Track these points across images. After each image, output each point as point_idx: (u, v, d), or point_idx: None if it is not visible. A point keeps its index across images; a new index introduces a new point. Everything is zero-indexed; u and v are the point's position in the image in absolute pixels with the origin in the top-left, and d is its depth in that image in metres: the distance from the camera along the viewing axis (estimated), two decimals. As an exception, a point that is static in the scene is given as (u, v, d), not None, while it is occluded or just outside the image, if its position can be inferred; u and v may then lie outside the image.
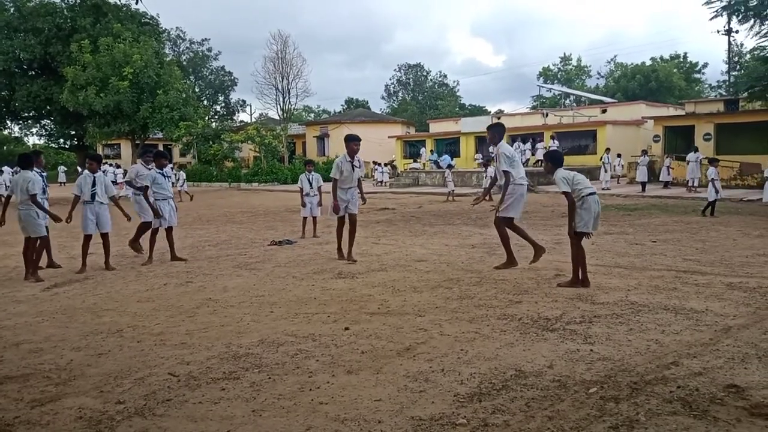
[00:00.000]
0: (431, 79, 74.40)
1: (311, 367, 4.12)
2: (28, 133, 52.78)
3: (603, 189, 21.80)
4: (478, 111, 64.14)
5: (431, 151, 36.62)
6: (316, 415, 3.32)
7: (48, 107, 37.99)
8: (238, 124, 49.28)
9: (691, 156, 21.71)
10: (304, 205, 11.70)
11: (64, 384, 3.95)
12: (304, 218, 11.77)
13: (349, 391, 3.65)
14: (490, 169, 21.28)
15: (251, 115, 60.31)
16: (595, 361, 4.00)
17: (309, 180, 11.79)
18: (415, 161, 36.48)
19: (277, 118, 43.44)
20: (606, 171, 23.00)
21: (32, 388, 3.90)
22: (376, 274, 7.42)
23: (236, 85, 56.39)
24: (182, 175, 25.88)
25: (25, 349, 4.81)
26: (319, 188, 11.81)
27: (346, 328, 5.04)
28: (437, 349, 4.37)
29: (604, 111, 34.24)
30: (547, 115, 35.73)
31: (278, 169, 36.30)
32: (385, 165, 33.07)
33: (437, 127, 41.78)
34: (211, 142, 38.79)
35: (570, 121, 33.46)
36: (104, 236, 8.54)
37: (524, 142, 31.42)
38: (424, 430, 3.07)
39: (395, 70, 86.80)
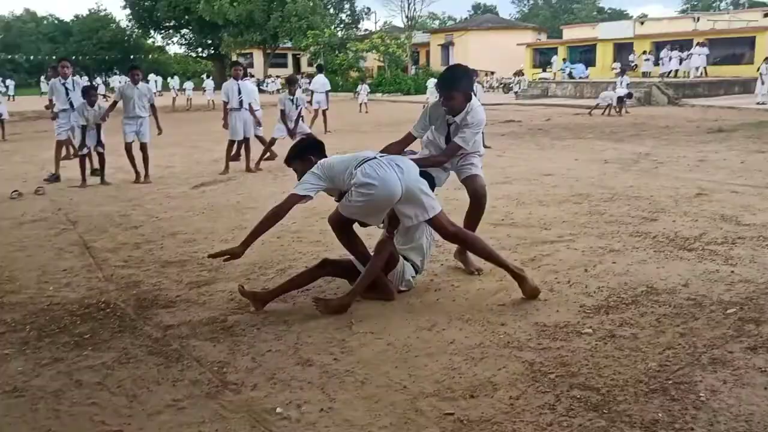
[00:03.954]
0: (567, -20, 68.86)
1: (436, 270, 4.27)
2: (169, 42, 56.07)
3: (758, 103, 19.59)
4: (618, 15, 58.92)
5: (563, 59, 34.49)
6: (439, 314, 3.47)
7: (186, 17, 39.88)
8: (362, 33, 49.09)
9: None
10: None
11: (215, 270, 4.41)
12: None
13: (472, 294, 3.77)
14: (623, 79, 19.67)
15: (376, 23, 59.74)
16: (735, 283, 3.79)
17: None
18: (544, 71, 34.62)
19: (402, 26, 42.65)
20: (763, 83, 20.56)
21: (189, 273, 4.40)
22: (500, 186, 7.35)
23: (362, -9, 55.68)
24: (365, 87, 23.73)
25: (181, 238, 5.39)
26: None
27: (470, 237, 5.10)
28: (563, 262, 4.33)
29: (766, 15, 30.13)
30: (698, 19, 32.08)
31: (401, 79, 36.03)
32: (514, 75, 31.76)
33: (571, 34, 39.02)
34: (337, 52, 39.09)
35: (725, 26, 29.87)
36: (246, 141, 9.10)
37: (672, 50, 28.60)
38: (548, 335, 3.13)
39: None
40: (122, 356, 3.06)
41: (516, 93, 28.95)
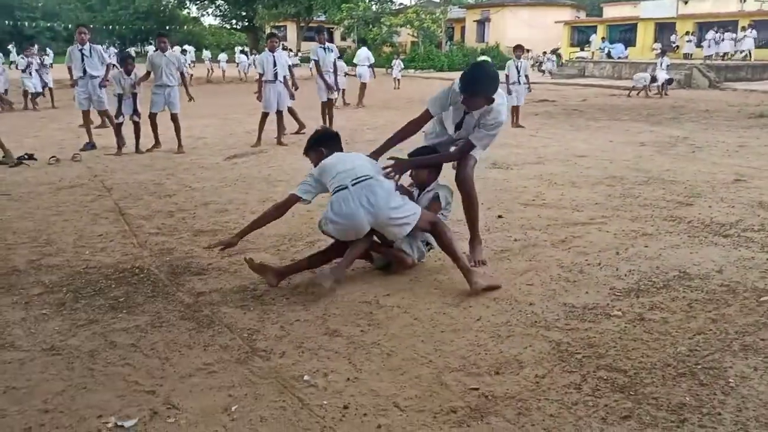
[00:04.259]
0: (609, -43, 66.66)
1: (464, 248, 4.24)
2: (204, 13, 56.30)
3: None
4: (660, -6, 57.07)
5: (602, 38, 33.64)
6: (466, 292, 3.46)
7: (222, -12, 39.85)
8: (397, 8, 48.58)
9: None
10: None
11: (246, 241, 4.41)
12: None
13: (501, 273, 3.76)
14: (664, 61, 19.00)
15: (411, -3, 58.90)
16: (772, 271, 3.71)
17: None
18: (582, 50, 33.85)
19: (437, 0, 42.04)
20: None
21: (221, 242, 4.46)
22: (532, 167, 7.27)
23: (398, -36, 54.87)
24: (399, 63, 23.49)
25: (213, 208, 5.47)
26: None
27: (499, 216, 5.08)
28: (594, 245, 4.28)
29: (820, -5, 28.91)
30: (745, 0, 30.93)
31: (435, 55, 35.59)
32: (551, 53, 31.11)
33: (612, 12, 37.98)
34: (370, 26, 38.75)
35: (775, 7, 28.75)
36: (279, 114, 9.14)
37: (717, 32, 27.61)
38: (576, 316, 3.11)
39: (569, -53, 78.51)
40: (155, 320, 3.14)
41: (549, 72, 28.38)
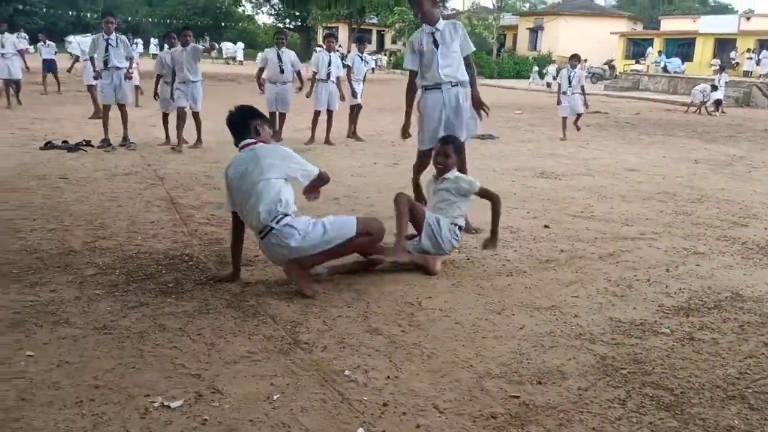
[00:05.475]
0: (670, -31, 65.07)
1: (509, 255, 4.23)
2: (258, 11, 57.33)
3: None
4: (722, 9, 55.50)
5: (659, 52, 32.87)
6: (509, 299, 3.44)
7: (277, -13, 40.45)
8: (449, 12, 48.46)
9: None
10: None
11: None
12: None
13: (545, 283, 3.71)
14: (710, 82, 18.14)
15: (464, 2, 58.68)
16: (831, 299, 3.56)
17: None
18: (637, 62, 33.13)
19: (491, 6, 41.78)
20: None
21: (267, 235, 4.54)
22: (581, 178, 7.16)
23: (452, -31, 54.81)
24: None
25: (260, 202, 5.56)
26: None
27: (546, 226, 5.02)
28: (644, 260, 4.19)
29: None
30: (813, 17, 29.79)
31: (485, 62, 35.33)
32: (604, 65, 30.59)
33: (670, 25, 37.08)
34: (422, 30, 38.77)
35: None
36: (329, 113, 9.26)
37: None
38: (623, 331, 3.05)
39: (628, -44, 76.91)
40: (203, 307, 3.22)
41: (547, 84, 27.65)
